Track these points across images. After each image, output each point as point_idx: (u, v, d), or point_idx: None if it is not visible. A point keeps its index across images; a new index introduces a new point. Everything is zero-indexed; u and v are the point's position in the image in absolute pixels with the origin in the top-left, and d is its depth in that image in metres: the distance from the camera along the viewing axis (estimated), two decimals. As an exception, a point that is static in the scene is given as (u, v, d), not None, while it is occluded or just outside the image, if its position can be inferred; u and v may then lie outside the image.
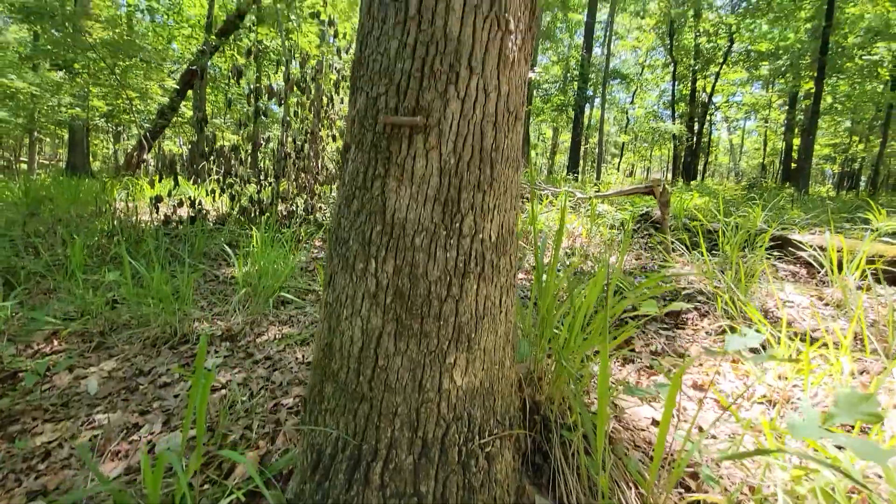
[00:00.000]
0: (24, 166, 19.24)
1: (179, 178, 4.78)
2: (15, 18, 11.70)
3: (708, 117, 18.54)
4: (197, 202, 4.34)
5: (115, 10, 13.69)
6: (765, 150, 24.25)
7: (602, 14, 20.80)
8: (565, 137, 31.06)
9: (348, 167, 0.92)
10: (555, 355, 1.21)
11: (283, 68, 4.46)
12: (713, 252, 3.57)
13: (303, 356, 1.89)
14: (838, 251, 3.11)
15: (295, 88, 4.57)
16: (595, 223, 4.65)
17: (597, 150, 9.10)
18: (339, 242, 0.93)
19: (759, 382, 1.61)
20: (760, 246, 3.03)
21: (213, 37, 9.04)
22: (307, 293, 2.72)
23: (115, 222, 3.74)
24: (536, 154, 32.02)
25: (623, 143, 20.83)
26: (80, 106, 10.06)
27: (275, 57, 10.97)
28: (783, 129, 19.84)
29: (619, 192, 3.75)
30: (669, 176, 24.45)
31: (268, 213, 4.03)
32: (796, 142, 17.66)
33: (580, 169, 16.60)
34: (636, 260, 3.71)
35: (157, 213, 4.36)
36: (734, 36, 15.12)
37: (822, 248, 3.25)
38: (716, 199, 7.12)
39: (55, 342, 1.97)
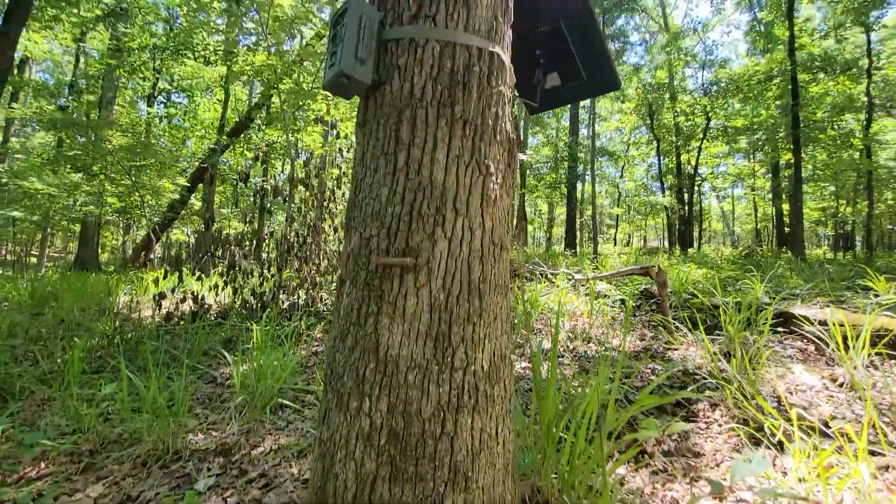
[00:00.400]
0: (35, 259, 19.67)
1: (184, 273, 4.89)
2: (43, 127, 12.61)
3: (696, 188, 19.26)
4: (200, 297, 4.38)
5: (136, 116, 14.85)
6: (756, 215, 24.87)
7: (585, 100, 22.44)
8: (561, 211, 32.08)
9: (343, 301, 0.96)
10: (560, 477, 1.16)
11: (289, 166, 4.74)
12: (717, 332, 3.53)
13: (299, 471, 1.81)
14: (841, 326, 3.09)
15: (299, 185, 4.83)
16: (596, 302, 4.65)
17: (591, 223, 9.35)
18: (333, 377, 0.95)
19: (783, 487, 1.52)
20: (764, 323, 3.01)
21: (225, 137, 9.72)
22: (306, 394, 2.66)
23: (117, 323, 3.76)
24: (534, 228, 32.80)
25: (618, 216, 21.47)
26: (95, 203, 10.53)
27: (281, 150, 11.70)
28: (770, 195, 20.52)
29: (616, 274, 3.80)
30: (666, 243, 24.84)
31: (269, 308, 4.05)
32: (785, 207, 18.20)
33: (577, 241, 16.90)
34: (640, 341, 3.67)
35: (159, 310, 4.40)
36: (710, 114, 16.20)
37: (826, 324, 3.21)
38: (713, 269, 7.17)
39: (42, 464, 1.90)
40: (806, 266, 8.65)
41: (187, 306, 4.92)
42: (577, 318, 4.23)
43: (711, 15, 17.18)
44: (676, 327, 3.45)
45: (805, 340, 3.34)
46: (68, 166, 9.80)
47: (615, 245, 23.03)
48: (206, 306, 4.45)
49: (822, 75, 13.18)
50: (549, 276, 5.52)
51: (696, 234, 22.02)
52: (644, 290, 4.86)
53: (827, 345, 2.90)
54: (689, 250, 18.48)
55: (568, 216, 16.33)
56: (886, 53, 16.06)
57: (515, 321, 4.10)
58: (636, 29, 19.33)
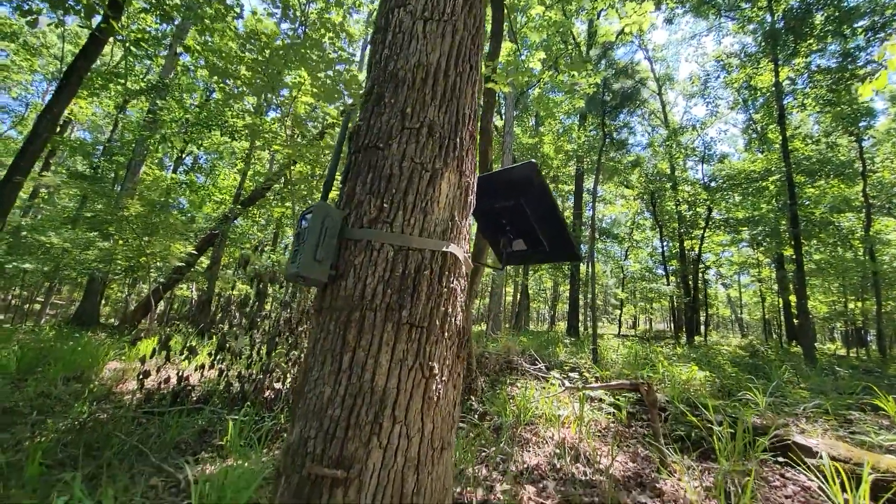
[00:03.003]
0: (38, 306, 19.73)
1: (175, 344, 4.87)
2: (70, 185, 13.21)
3: (700, 274, 19.25)
4: (184, 378, 4.32)
5: (160, 173, 15.58)
6: (763, 305, 24.57)
7: (590, 183, 23.30)
8: (566, 288, 32.04)
9: (276, 501, 0.94)
10: None
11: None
12: (712, 458, 3.35)
13: None
14: (845, 462, 2.95)
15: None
16: (589, 406, 4.49)
17: (594, 307, 9.28)
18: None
19: None
20: (763, 451, 2.85)
21: (239, 206, 10.10)
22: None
23: (93, 406, 3.68)
24: (538, 304, 32.59)
25: (621, 300, 21.34)
26: (105, 261, 10.75)
27: (293, 219, 12.05)
28: (777, 286, 20.40)
29: (605, 387, 3.70)
30: (673, 326, 24.38)
31: (251, 400, 3.97)
32: (793, 299, 18.00)
33: (580, 323, 16.66)
34: (632, 462, 3.48)
35: (142, 388, 4.33)
36: (711, 205, 16.60)
37: (833, 459, 3.03)
38: (715, 372, 6.95)
39: None
40: (814, 371, 8.36)
41: (171, 384, 4.84)
42: (568, 426, 4.05)
43: (709, 114, 18.23)
44: (667, 453, 3.28)
45: (810, 472, 3.14)
46: (85, 226, 10.16)
47: (619, 327, 22.65)
48: (189, 388, 4.36)
49: (818, 179, 13.63)
50: (544, 373, 5.40)
51: (703, 318, 21.66)
52: (641, 399, 4.69)
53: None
54: (696, 338, 18.09)
55: (571, 298, 16.25)
56: (880, 158, 16.70)
57: (502, 425, 3.95)
58: (638, 123, 20.54)
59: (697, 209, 17.15)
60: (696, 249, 18.34)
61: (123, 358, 6.28)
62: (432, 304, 0.99)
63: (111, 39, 9.28)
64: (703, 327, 20.78)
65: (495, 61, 5.65)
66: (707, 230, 17.36)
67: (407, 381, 0.93)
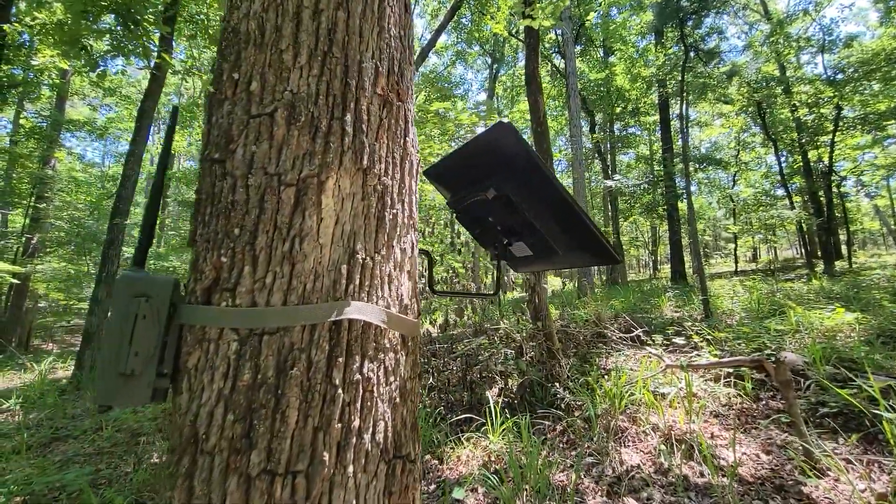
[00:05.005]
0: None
1: None
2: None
3: (834, 188, 16.06)
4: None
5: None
6: (927, 209, 19.95)
7: (678, 108, 20.44)
8: (666, 227, 29.05)
9: None
10: None
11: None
12: (878, 439, 2.54)
13: None
14: None
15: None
16: (702, 378, 3.76)
17: (699, 252, 8.08)
18: None
19: None
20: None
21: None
22: None
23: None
24: (637, 250, 30.20)
25: (734, 234, 18.62)
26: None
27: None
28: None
29: (717, 364, 2.99)
30: (803, 251, 20.93)
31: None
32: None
33: (685, 268, 14.96)
34: (765, 454, 2.78)
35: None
36: (841, 102, 13.53)
37: None
38: (870, 311, 5.57)
39: None
40: None
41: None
42: (677, 408, 3.41)
43: (825, -11, 14.62)
44: (813, 445, 2.54)
45: None
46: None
47: (736, 263, 20.05)
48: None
49: None
50: (642, 341, 4.73)
51: (843, 238, 18.27)
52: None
53: None
54: (838, 263, 15.31)
55: (671, 241, 14.55)
56: None
57: (593, 414, 3.44)
58: (730, 25, 17.25)
59: (821, 111, 14.11)
60: (826, 159, 15.22)
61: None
62: (315, 424, 0.57)
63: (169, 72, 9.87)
64: (844, 249, 17.52)
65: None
66: (838, 133, 14.27)
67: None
